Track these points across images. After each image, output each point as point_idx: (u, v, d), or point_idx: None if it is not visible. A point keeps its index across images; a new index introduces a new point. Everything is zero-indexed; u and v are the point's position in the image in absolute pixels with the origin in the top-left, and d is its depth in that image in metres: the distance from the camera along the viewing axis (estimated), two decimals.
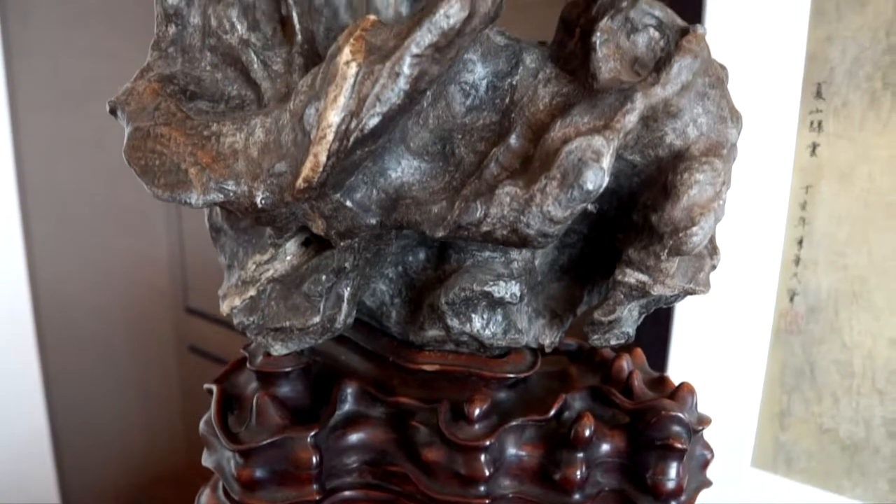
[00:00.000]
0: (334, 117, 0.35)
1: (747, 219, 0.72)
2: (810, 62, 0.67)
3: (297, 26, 0.44)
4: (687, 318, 0.77)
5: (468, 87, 0.42)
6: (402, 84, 0.35)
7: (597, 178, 0.35)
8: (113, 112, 0.43)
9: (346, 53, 0.35)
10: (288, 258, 0.47)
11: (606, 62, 0.40)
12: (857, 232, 0.68)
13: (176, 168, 0.39)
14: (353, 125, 0.35)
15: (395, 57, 0.34)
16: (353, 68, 0.35)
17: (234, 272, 0.49)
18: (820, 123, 0.68)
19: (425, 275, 0.48)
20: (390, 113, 0.35)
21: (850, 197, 0.68)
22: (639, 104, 0.37)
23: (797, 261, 0.71)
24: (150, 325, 1.64)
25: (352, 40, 0.36)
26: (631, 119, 0.37)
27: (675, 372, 0.79)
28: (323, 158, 0.35)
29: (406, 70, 0.35)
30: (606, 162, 0.36)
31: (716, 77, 0.42)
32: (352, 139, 0.35)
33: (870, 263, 0.68)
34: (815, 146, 0.69)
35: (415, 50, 0.34)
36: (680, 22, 0.48)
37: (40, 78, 1.65)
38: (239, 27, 0.45)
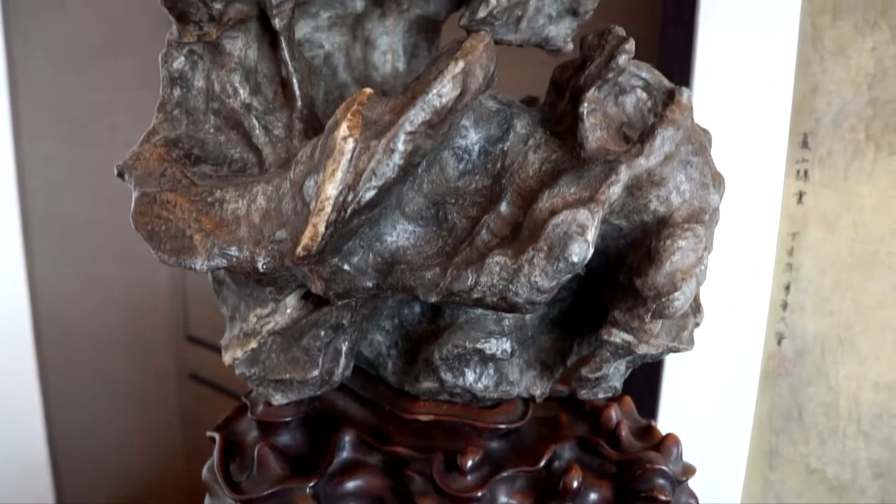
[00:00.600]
0: (332, 190, 0.37)
1: (737, 263, 0.74)
2: (797, 113, 0.69)
3: (298, 92, 0.46)
4: (678, 360, 0.79)
5: (461, 152, 0.44)
6: (397, 159, 0.37)
7: (582, 251, 0.37)
8: (121, 175, 0.45)
9: (343, 129, 0.37)
10: (288, 311, 0.49)
11: (593, 131, 0.42)
12: (841, 279, 0.70)
13: (181, 234, 0.40)
14: (350, 198, 0.37)
15: (390, 134, 0.36)
16: (350, 143, 0.37)
17: (235, 324, 0.50)
18: (806, 172, 0.70)
19: (420, 328, 0.50)
20: (385, 185, 0.37)
21: (836, 244, 0.70)
22: (623, 176, 0.39)
23: (784, 305, 0.73)
24: (150, 352, 1.66)
25: (349, 115, 0.37)
26: (615, 191, 0.39)
27: (666, 413, 0.81)
28: (322, 229, 0.37)
29: (400, 146, 0.36)
30: (591, 235, 0.37)
31: (699, 144, 0.43)
32: (349, 210, 0.37)
33: (854, 310, 0.70)
34: (801, 194, 0.71)
35: (408, 128, 0.36)
36: (667, 83, 0.50)
37: (44, 105, 1.68)
38: (241, 92, 0.47)
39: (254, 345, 0.49)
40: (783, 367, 0.74)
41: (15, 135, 1.73)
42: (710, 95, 0.70)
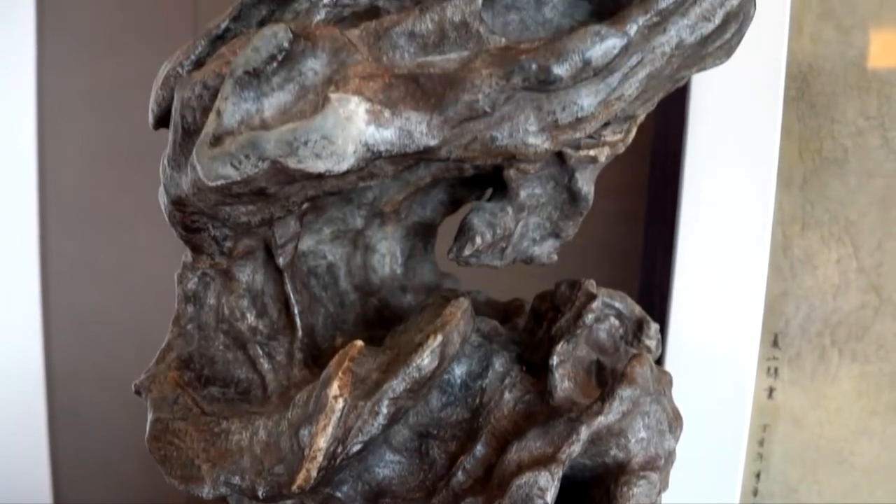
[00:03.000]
0: (323, 443, 0.41)
1: (710, 450, 0.78)
2: (769, 313, 0.74)
3: (299, 322, 0.51)
4: None
5: (445, 386, 0.49)
6: (381, 420, 0.42)
7: None
8: (138, 393, 0.50)
9: (334, 388, 0.42)
10: None
11: (562, 382, 0.47)
12: (808, 472, 0.74)
13: (190, 462, 0.45)
14: (339, 450, 0.42)
15: (375, 398, 0.41)
16: (340, 403, 0.42)
17: None
18: (776, 370, 0.75)
19: None
20: (371, 440, 0.42)
21: (803, 440, 0.74)
22: (583, 435, 0.44)
23: (755, 492, 0.77)
24: None
25: (340, 374, 0.42)
26: (576, 449, 0.44)
27: None
28: (314, 473, 0.42)
29: (384, 410, 0.41)
30: (550, 495, 0.42)
31: (658, 393, 0.48)
32: (338, 460, 0.42)
33: (820, 502, 0.74)
34: (771, 390, 0.75)
35: (391, 395, 0.41)
36: (638, 312, 0.56)
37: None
38: (248, 316, 0.52)
39: None
40: None
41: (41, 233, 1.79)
42: (689, 295, 0.75)
